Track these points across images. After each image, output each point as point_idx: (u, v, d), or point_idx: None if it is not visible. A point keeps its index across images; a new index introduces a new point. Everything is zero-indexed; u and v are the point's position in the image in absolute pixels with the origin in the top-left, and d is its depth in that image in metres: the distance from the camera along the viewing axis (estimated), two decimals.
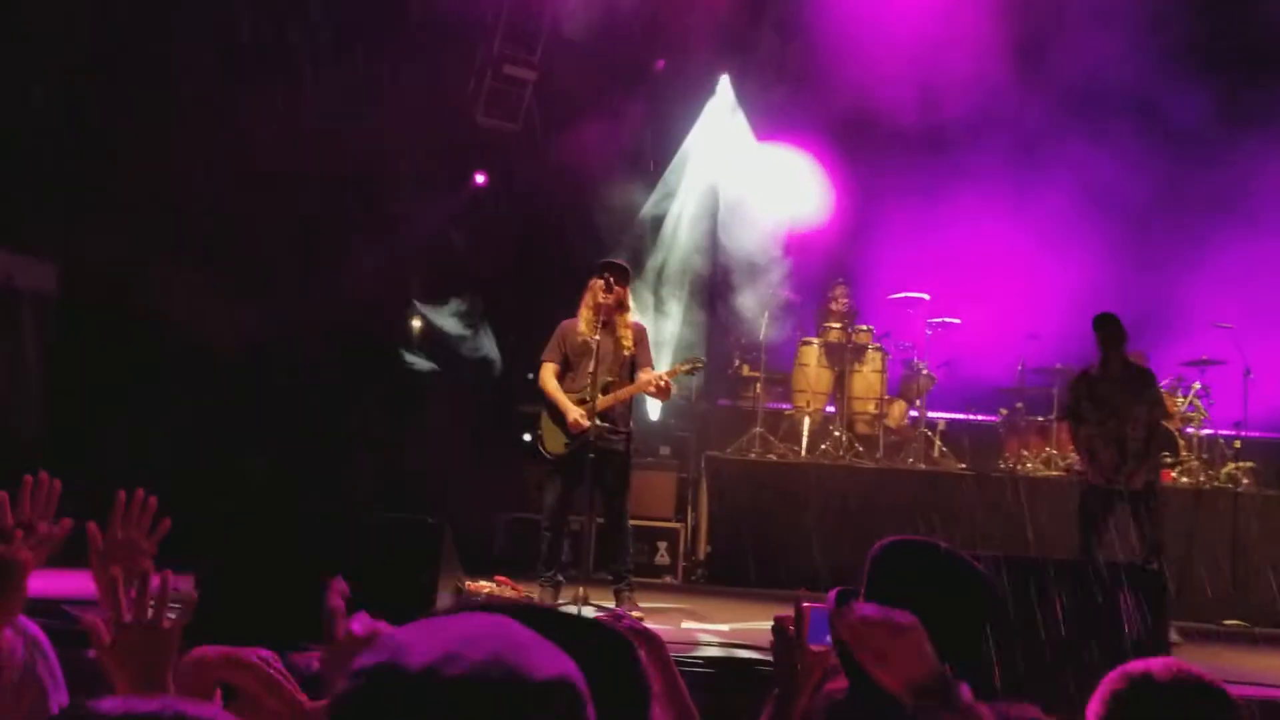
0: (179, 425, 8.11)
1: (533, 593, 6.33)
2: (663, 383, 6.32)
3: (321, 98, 8.60)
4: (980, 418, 9.78)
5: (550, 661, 0.91)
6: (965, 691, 1.54)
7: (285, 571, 4.69)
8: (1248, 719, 1.71)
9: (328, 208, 9.01)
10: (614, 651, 1.12)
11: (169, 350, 8.66)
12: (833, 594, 2.09)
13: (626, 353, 6.39)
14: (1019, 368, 9.31)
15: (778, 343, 9.51)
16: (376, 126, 8.86)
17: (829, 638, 2.15)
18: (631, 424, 6.63)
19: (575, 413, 6.25)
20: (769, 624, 2.35)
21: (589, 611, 5.15)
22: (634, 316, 6.63)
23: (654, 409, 9.07)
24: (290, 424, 8.45)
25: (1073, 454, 8.54)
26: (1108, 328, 7.03)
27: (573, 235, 8.96)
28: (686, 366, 6.85)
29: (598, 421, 6.21)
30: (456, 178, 10.23)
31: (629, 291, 6.49)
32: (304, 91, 8.48)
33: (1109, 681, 1.75)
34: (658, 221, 10.11)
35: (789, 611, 2.30)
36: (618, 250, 8.29)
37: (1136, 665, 1.75)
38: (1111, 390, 7.02)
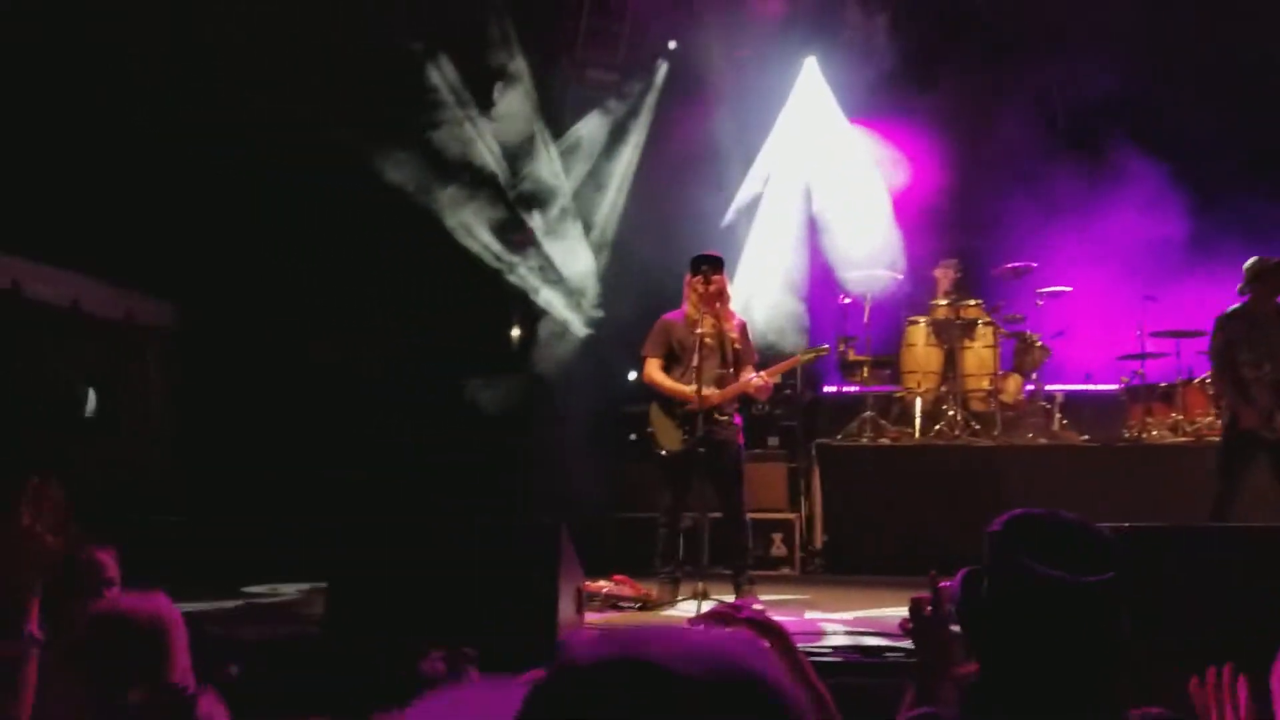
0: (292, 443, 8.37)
1: (651, 590, 6.31)
2: (763, 380, 6.25)
3: None
4: (1101, 387, 9.44)
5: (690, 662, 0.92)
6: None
7: (413, 576, 4.81)
8: None
9: None
10: None
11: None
12: (960, 574, 2.02)
13: (736, 346, 6.31)
14: (1137, 332, 8.93)
15: (883, 324, 9.35)
16: None
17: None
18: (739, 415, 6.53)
19: (692, 391, 6.04)
20: (892, 611, 2.28)
21: (708, 606, 5.10)
22: (734, 308, 6.54)
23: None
24: (394, 437, 8.67)
25: (1200, 418, 8.20)
26: (1265, 269, 6.64)
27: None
28: (811, 354, 6.64)
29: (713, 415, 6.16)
30: None
31: (726, 280, 6.40)
32: None
33: None
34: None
35: (920, 594, 2.23)
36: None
37: None
38: (1269, 332, 6.62)
